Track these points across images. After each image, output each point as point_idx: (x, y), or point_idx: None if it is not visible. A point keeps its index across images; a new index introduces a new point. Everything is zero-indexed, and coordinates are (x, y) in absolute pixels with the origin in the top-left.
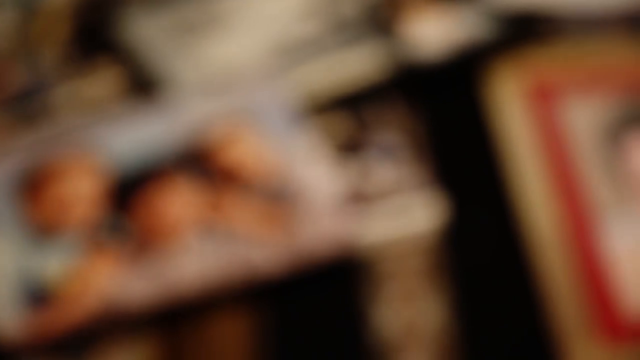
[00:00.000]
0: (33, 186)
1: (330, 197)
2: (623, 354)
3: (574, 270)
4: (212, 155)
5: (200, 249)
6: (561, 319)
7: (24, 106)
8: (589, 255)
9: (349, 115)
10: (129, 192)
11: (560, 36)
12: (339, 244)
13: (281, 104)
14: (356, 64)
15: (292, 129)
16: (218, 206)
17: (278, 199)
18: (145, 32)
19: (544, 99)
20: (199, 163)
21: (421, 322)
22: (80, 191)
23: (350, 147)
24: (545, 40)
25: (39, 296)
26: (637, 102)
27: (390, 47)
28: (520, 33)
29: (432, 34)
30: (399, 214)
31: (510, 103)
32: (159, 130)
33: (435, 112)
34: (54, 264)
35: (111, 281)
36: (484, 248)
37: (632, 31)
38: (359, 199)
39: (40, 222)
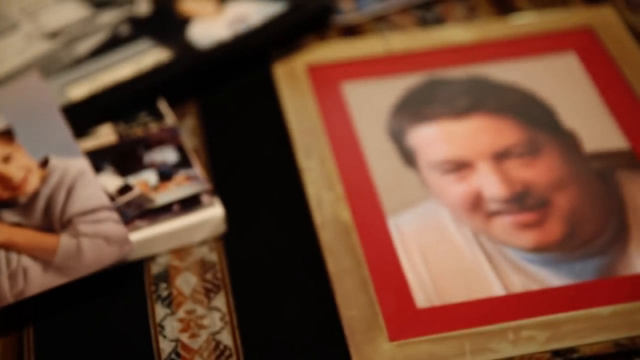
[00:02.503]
0: None
1: (106, 204)
2: (412, 345)
3: (362, 259)
4: None
5: None
6: (349, 315)
7: None
8: (377, 245)
9: (128, 116)
10: None
11: (342, 21)
12: (118, 252)
13: (49, 112)
14: (143, 61)
15: (62, 137)
16: None
17: (51, 210)
18: None
19: (328, 85)
20: None
21: (204, 323)
22: None
23: (129, 149)
24: (329, 26)
25: None
26: (418, 86)
27: (176, 42)
28: (304, 19)
29: (216, 25)
30: (182, 215)
31: (294, 90)
32: None
33: (222, 104)
34: None
35: None
36: (272, 244)
37: (418, 18)
38: (137, 202)
39: None
